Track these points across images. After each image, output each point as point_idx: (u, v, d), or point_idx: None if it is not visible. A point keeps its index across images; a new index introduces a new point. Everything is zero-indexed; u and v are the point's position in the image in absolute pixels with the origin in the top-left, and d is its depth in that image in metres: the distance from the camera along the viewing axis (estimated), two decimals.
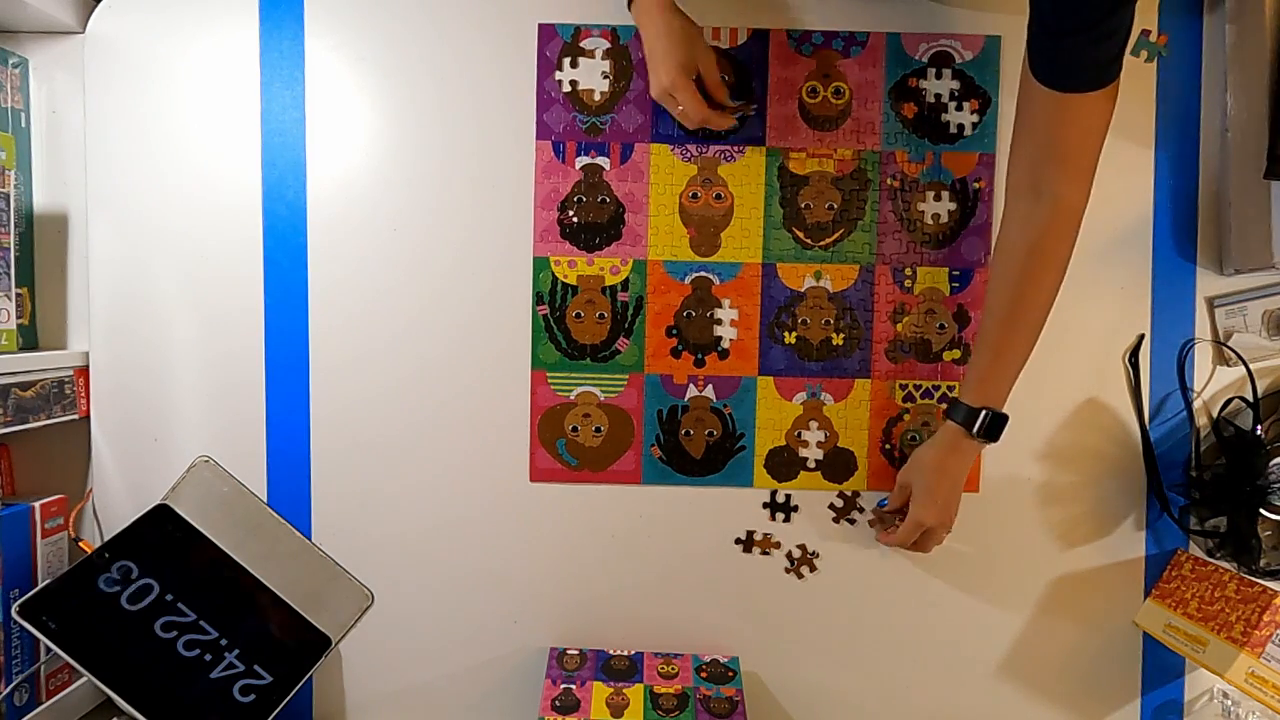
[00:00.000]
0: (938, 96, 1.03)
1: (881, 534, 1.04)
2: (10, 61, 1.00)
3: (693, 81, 0.92)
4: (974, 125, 1.03)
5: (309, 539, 1.02)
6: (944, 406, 1.04)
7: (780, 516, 1.06)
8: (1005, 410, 0.94)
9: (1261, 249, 0.97)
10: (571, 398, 1.05)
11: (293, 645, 0.92)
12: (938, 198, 1.04)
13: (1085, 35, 0.79)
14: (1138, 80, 1.03)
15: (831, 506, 1.05)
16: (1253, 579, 0.97)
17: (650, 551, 1.06)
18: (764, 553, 1.06)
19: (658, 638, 1.06)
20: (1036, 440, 1.05)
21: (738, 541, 1.06)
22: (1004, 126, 1.03)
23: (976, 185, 1.04)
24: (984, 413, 0.93)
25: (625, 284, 1.04)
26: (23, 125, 1.01)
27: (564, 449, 1.05)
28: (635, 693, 0.97)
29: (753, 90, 1.03)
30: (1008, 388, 0.94)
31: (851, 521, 1.05)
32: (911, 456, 1.00)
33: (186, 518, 0.94)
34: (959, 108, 1.03)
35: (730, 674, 1.02)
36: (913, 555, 1.05)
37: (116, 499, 1.04)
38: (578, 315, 1.04)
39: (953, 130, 1.03)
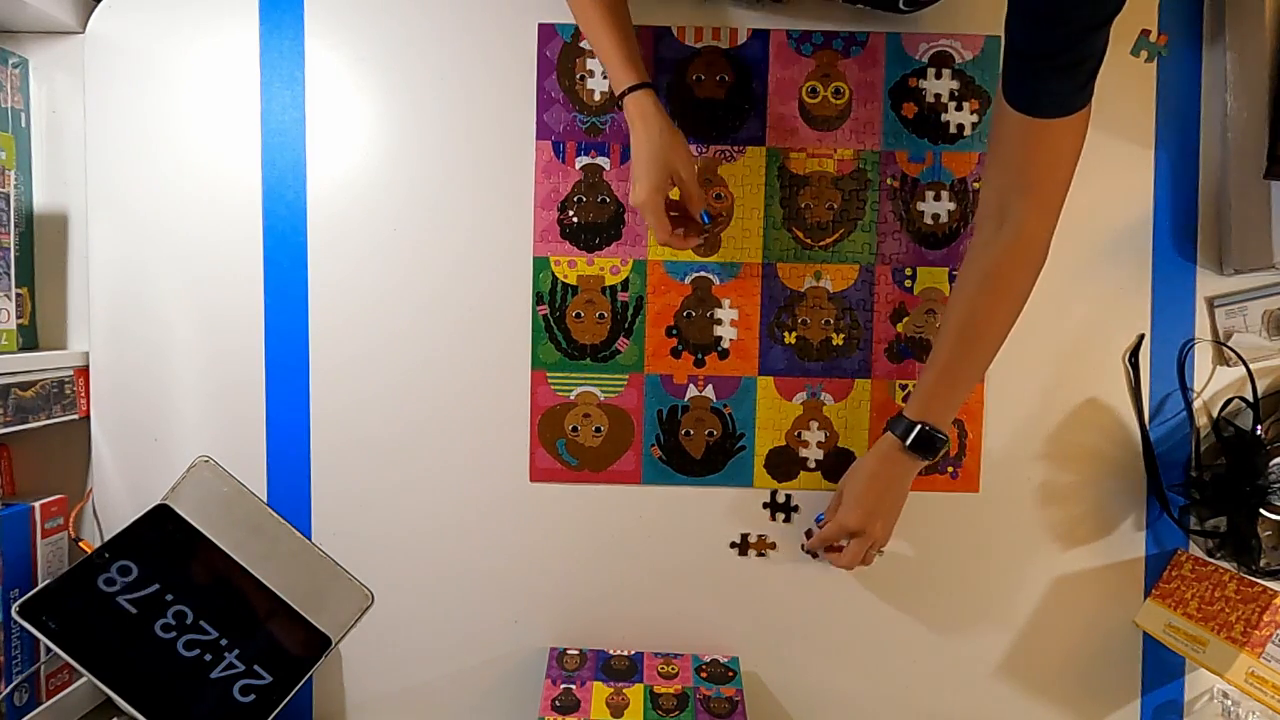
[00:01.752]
0: (937, 96, 1.03)
1: (806, 541, 1.04)
2: (10, 61, 1.00)
3: (663, 202, 0.91)
4: (974, 125, 1.03)
5: (309, 539, 1.02)
6: None
7: (780, 516, 1.06)
8: (945, 433, 0.93)
9: (1261, 249, 0.97)
10: (571, 398, 1.05)
11: (293, 645, 0.92)
12: (937, 198, 1.04)
13: (1057, 60, 0.79)
14: (1138, 80, 1.03)
15: None
16: (1253, 579, 0.97)
17: (650, 551, 1.06)
18: (760, 554, 1.06)
19: (658, 638, 1.06)
20: (1036, 440, 1.05)
21: (733, 545, 1.06)
22: None
23: (976, 185, 1.04)
24: (920, 427, 0.92)
25: (625, 284, 1.04)
26: (23, 125, 1.01)
27: (564, 449, 1.05)
28: (635, 693, 0.97)
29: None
30: (950, 409, 0.93)
31: None
32: (852, 465, 1.00)
33: (186, 518, 0.94)
34: (959, 108, 1.03)
35: (730, 674, 1.02)
36: (913, 553, 1.05)
37: (116, 499, 1.04)
38: (578, 315, 1.04)
39: (952, 130, 1.03)
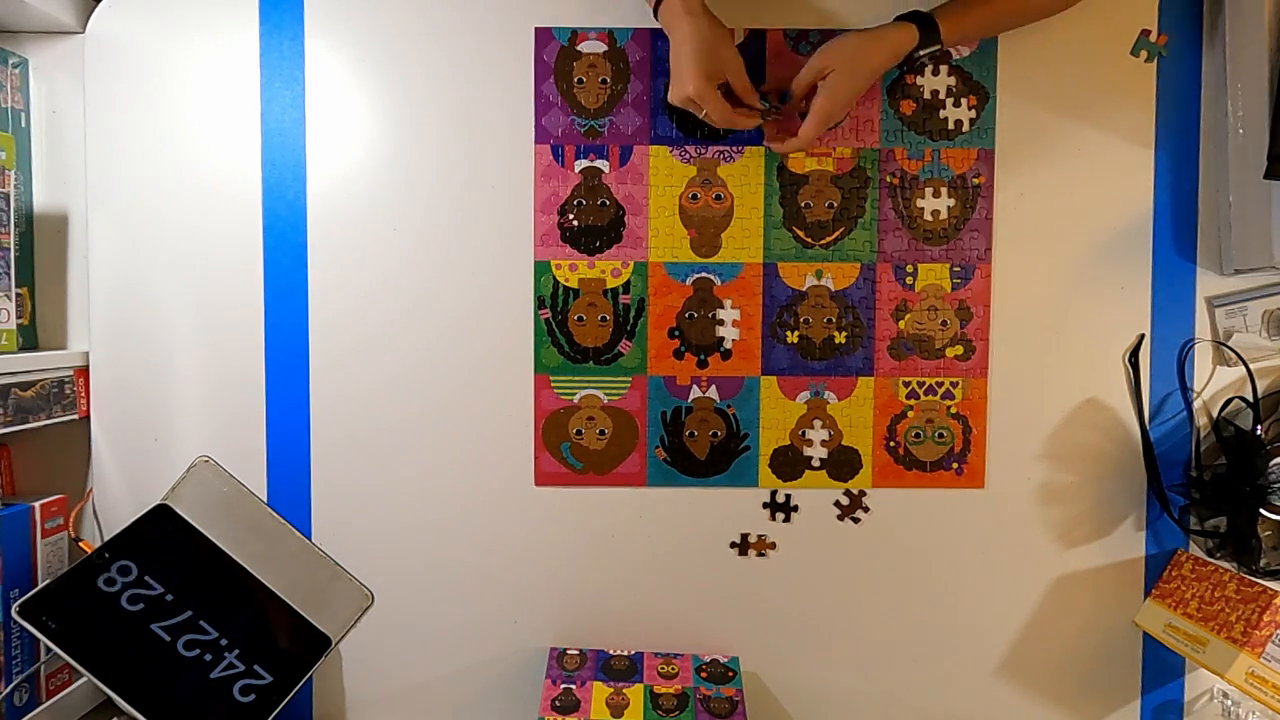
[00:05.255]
0: (935, 93, 1.03)
1: (774, 137, 1.00)
2: (10, 61, 1.00)
3: (718, 88, 0.93)
4: (972, 121, 1.03)
5: (309, 539, 1.02)
6: (948, 404, 1.05)
7: (780, 516, 1.05)
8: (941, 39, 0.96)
9: (1261, 249, 0.97)
10: (575, 401, 1.05)
11: (293, 645, 0.92)
12: (937, 194, 1.04)
13: None
14: (1138, 80, 1.03)
15: (837, 504, 1.05)
16: (1253, 579, 0.97)
17: (650, 552, 1.06)
18: (760, 554, 1.06)
19: (658, 638, 1.06)
20: (1036, 440, 1.05)
21: (733, 545, 1.06)
22: (1002, 122, 1.03)
23: (976, 181, 1.04)
24: (939, 48, 0.96)
25: (627, 286, 1.04)
26: (23, 125, 1.01)
27: (568, 452, 1.05)
28: (635, 693, 0.97)
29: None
30: (965, 39, 1.00)
31: (856, 520, 1.05)
32: (835, 41, 0.95)
33: (186, 518, 0.94)
34: (956, 104, 1.03)
35: (730, 674, 1.02)
36: (917, 550, 1.05)
37: (116, 499, 1.04)
38: (579, 318, 1.04)
39: (951, 126, 1.04)
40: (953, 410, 1.05)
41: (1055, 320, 1.05)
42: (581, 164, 1.04)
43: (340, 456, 1.04)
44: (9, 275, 0.97)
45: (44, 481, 1.04)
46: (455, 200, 1.04)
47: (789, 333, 1.04)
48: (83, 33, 1.02)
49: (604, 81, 1.03)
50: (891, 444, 1.05)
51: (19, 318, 1.00)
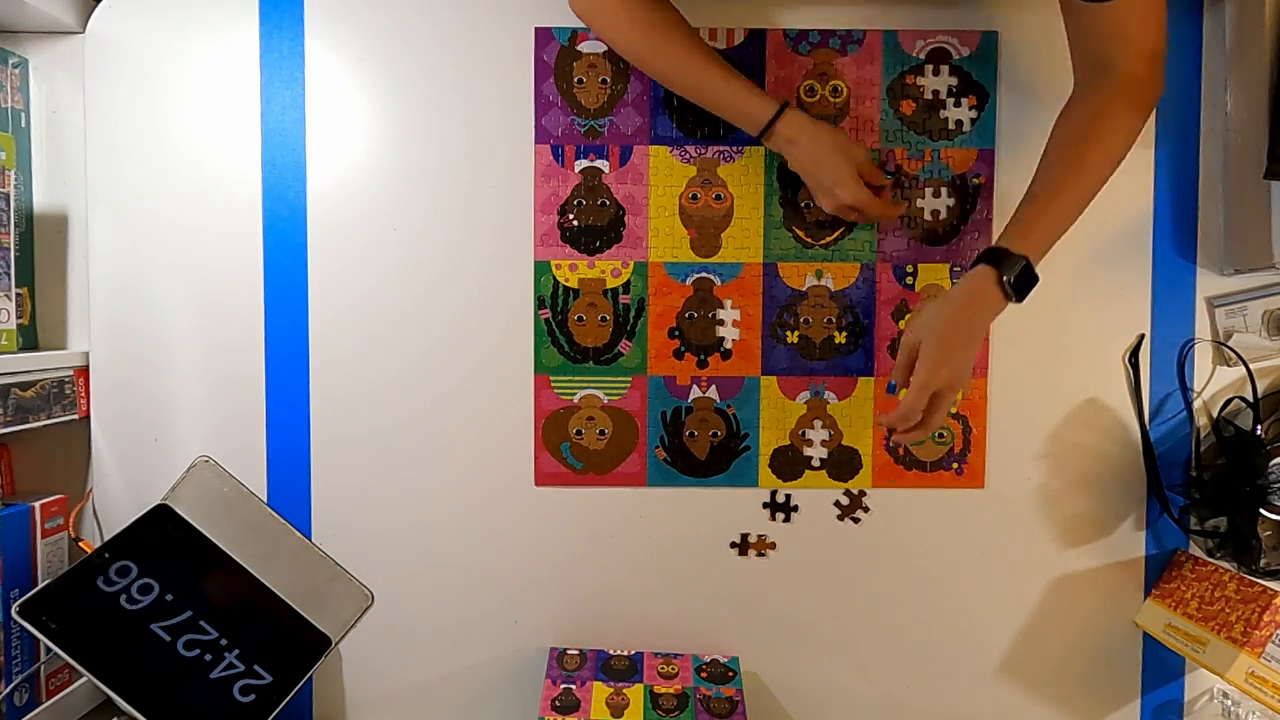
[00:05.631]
0: (935, 93, 1.03)
1: (882, 415, 0.97)
2: (10, 61, 1.00)
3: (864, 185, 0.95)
4: (972, 121, 1.03)
5: (309, 539, 1.02)
6: None
7: (780, 516, 1.05)
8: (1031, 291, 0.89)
9: (1261, 249, 0.97)
10: (575, 401, 1.05)
11: (293, 645, 0.92)
12: (937, 194, 1.04)
13: None
14: None
15: (837, 504, 1.05)
16: (1253, 579, 0.97)
17: (650, 552, 1.06)
18: (760, 554, 1.06)
19: (658, 638, 1.06)
20: (1036, 440, 1.05)
21: (733, 545, 1.06)
22: (1003, 122, 1.03)
23: (976, 181, 1.04)
24: (1025, 262, 0.87)
25: (627, 286, 1.04)
26: (23, 125, 1.01)
27: (568, 452, 1.05)
28: (635, 693, 0.97)
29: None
30: (1045, 245, 0.89)
31: (856, 520, 1.05)
32: (920, 308, 0.93)
33: (186, 518, 0.94)
34: (957, 104, 1.03)
35: (730, 674, 1.02)
36: (917, 551, 1.05)
37: (116, 499, 1.04)
38: (579, 319, 1.04)
39: (951, 126, 1.04)
40: (953, 410, 1.05)
41: (1055, 320, 1.05)
42: (581, 164, 1.04)
43: (340, 456, 1.05)
44: (9, 275, 0.97)
45: (44, 481, 1.04)
46: (455, 200, 1.04)
47: (789, 333, 1.04)
48: (83, 33, 1.02)
49: (604, 81, 1.03)
50: (891, 444, 1.05)
51: (19, 318, 1.00)
